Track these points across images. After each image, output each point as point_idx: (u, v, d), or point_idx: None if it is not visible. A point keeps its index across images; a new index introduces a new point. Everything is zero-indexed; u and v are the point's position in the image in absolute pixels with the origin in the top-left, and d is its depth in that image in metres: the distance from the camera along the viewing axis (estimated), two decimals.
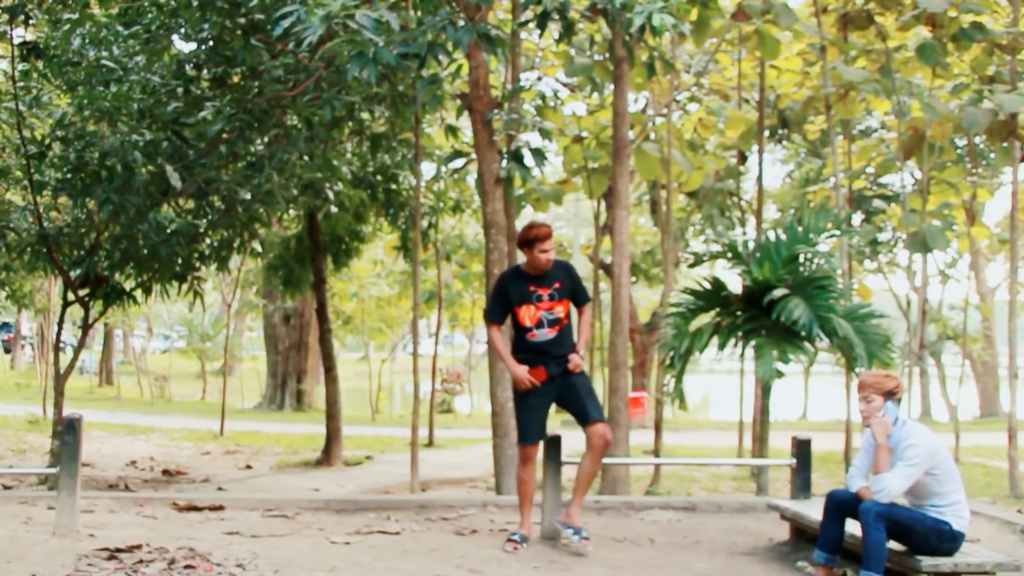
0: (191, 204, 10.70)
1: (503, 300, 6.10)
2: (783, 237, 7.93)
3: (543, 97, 12.97)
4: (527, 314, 6.00)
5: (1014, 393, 11.48)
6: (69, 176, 9.53)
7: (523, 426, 6.07)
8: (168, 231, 9.98)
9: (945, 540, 4.92)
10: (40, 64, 9.90)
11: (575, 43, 11.20)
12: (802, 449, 6.62)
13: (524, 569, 5.49)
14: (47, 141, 9.91)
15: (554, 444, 6.26)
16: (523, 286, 6.02)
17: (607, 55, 10.78)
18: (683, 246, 21.15)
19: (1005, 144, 11.38)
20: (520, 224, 9.62)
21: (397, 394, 33.09)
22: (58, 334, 11.65)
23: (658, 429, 12.40)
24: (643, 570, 5.55)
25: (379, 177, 13.12)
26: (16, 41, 10.20)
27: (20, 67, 10.19)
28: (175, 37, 9.54)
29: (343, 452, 14.47)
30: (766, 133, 14.46)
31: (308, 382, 24.80)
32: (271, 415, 23.24)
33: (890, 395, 5.07)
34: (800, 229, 7.88)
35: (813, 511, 5.72)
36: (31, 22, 10.08)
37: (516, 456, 8.91)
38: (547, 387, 6.00)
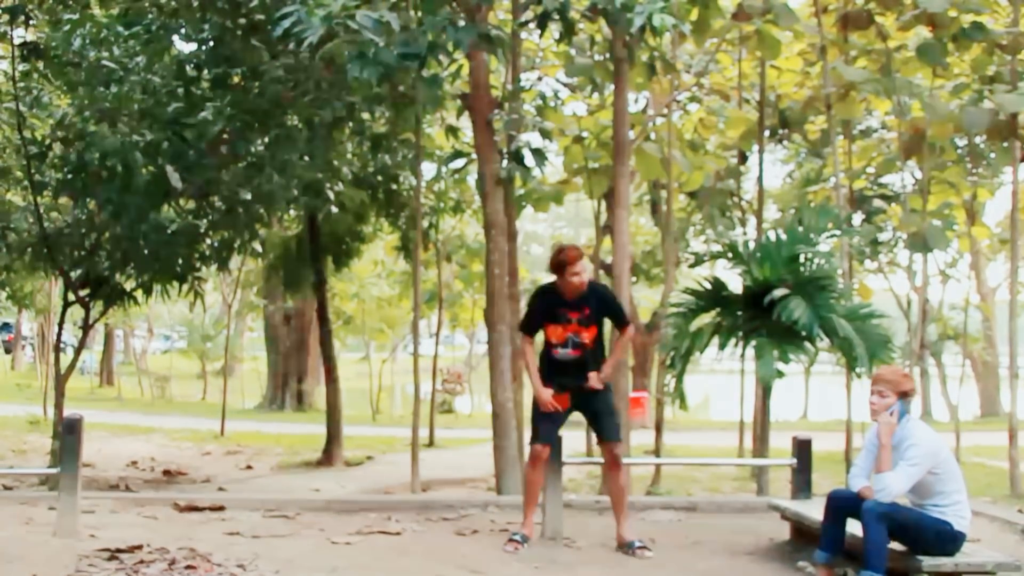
0: (192, 204, 10.70)
1: (535, 314, 6.15)
2: (784, 237, 7.93)
3: (543, 97, 12.95)
4: (555, 332, 6.06)
5: (1015, 393, 11.46)
6: (70, 177, 9.53)
7: (537, 427, 6.10)
8: (169, 231, 9.98)
9: (946, 540, 4.92)
10: (41, 65, 9.92)
11: (575, 43, 11.18)
12: (803, 449, 6.62)
13: (525, 569, 5.49)
14: (48, 142, 9.92)
15: (555, 445, 6.26)
16: (554, 306, 6.05)
17: (607, 55, 10.77)
18: (684, 246, 21.12)
19: (1006, 144, 11.36)
20: (520, 224, 9.63)
21: (398, 394, 33.06)
22: (59, 334, 11.65)
23: (659, 429, 12.39)
24: (644, 570, 5.55)
25: (380, 177, 13.12)
26: (17, 42, 10.21)
27: (21, 68, 10.20)
28: (175, 38, 9.56)
29: (344, 452, 14.47)
30: (767, 133, 14.44)
31: (309, 382, 24.79)
32: (272, 415, 23.23)
33: (903, 395, 5.08)
34: (801, 229, 7.88)
35: (814, 511, 5.71)
36: (32, 23, 10.09)
37: (516, 457, 8.94)
38: (564, 382, 6.05)
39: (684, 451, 15.58)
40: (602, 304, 6.12)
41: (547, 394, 5.99)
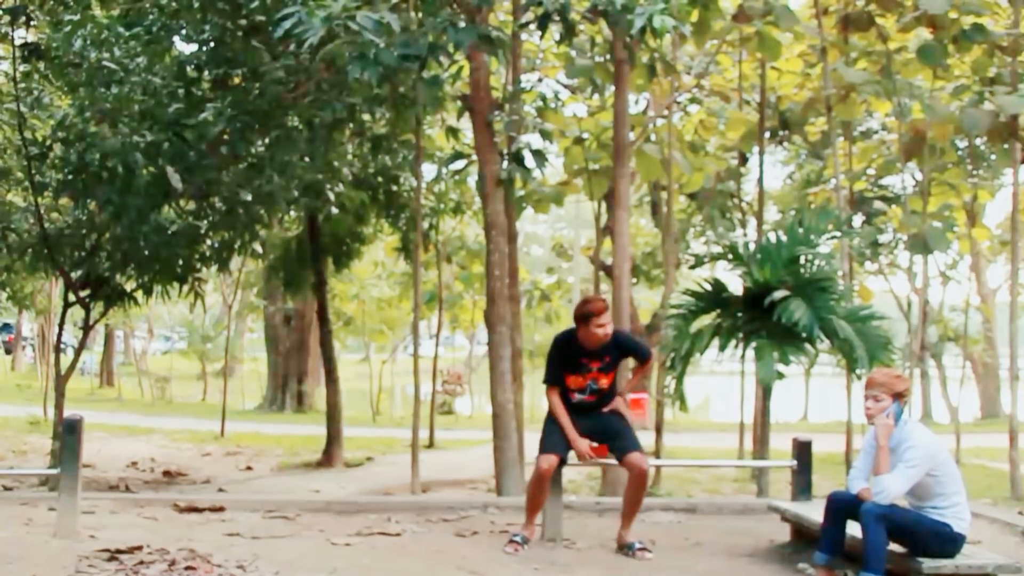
0: (192, 205, 10.70)
1: (558, 366, 6.19)
2: (784, 239, 7.92)
3: (544, 98, 12.97)
4: (574, 381, 6.15)
5: (1015, 395, 11.46)
6: (70, 177, 9.53)
7: (546, 438, 6.08)
8: (169, 232, 9.98)
9: (946, 542, 4.92)
10: (41, 65, 9.93)
11: (576, 44, 11.19)
12: (803, 451, 6.62)
13: (525, 570, 5.49)
14: (48, 142, 9.92)
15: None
16: (574, 357, 6.13)
17: (608, 57, 10.78)
18: (684, 247, 21.13)
19: (1006, 146, 11.37)
20: (520, 225, 9.63)
21: (398, 395, 33.06)
22: (59, 335, 11.66)
23: (659, 430, 12.41)
24: (644, 571, 5.55)
25: (380, 178, 13.13)
26: (18, 42, 10.22)
27: (22, 68, 10.20)
28: (176, 38, 9.55)
29: (344, 453, 14.47)
30: (767, 134, 14.46)
31: (309, 383, 24.79)
32: (272, 416, 23.23)
33: (898, 397, 5.07)
34: (801, 231, 7.87)
35: (814, 513, 5.71)
36: (32, 23, 10.09)
37: (516, 458, 8.95)
38: (579, 419, 6.07)
39: (684, 452, 15.59)
40: (622, 351, 6.25)
41: (584, 445, 6.01)
